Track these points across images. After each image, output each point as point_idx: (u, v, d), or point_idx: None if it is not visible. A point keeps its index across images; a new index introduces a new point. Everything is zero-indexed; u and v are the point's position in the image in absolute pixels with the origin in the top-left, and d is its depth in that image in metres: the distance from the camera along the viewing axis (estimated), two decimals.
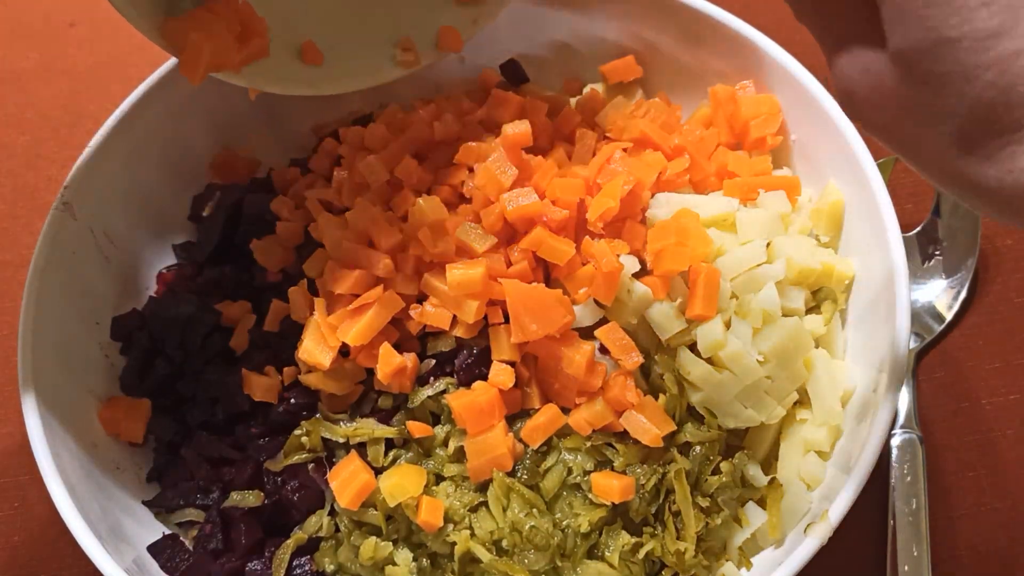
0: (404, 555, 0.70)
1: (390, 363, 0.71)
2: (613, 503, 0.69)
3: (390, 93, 0.89)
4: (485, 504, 0.71)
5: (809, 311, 0.78)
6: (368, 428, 0.73)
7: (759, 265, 0.74)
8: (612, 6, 0.92)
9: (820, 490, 0.72)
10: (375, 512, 0.71)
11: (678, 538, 0.70)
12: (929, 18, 0.35)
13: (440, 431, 0.73)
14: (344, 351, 0.73)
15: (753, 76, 0.86)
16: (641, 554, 0.69)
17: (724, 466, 0.72)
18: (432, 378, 0.74)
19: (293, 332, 0.77)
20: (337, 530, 0.73)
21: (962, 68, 0.35)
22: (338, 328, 0.72)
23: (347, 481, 0.70)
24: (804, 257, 0.75)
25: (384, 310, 0.72)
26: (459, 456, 0.72)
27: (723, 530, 0.73)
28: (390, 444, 0.74)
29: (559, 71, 0.98)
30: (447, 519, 0.70)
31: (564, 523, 0.69)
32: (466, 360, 0.73)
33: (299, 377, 0.75)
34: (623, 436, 0.72)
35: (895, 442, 0.82)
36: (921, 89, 0.37)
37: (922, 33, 0.36)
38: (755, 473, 0.74)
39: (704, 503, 0.71)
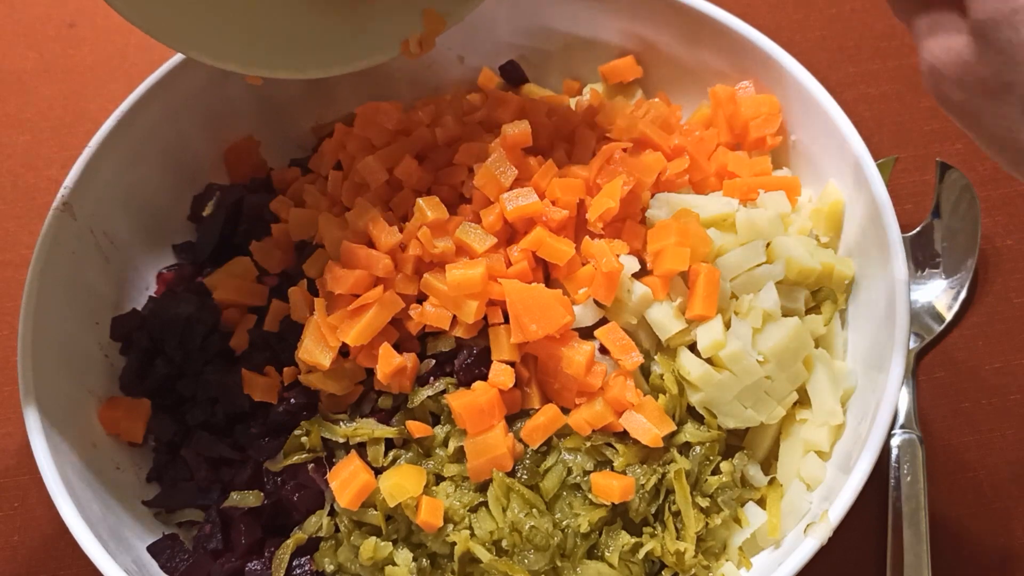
0: (404, 555, 0.70)
1: (390, 363, 0.71)
2: (613, 503, 0.69)
3: (390, 93, 0.89)
4: (485, 504, 0.71)
5: (809, 311, 0.78)
6: (368, 428, 0.73)
7: (759, 265, 0.74)
8: (612, 6, 0.92)
9: (820, 490, 0.72)
10: (375, 512, 0.71)
11: (678, 538, 0.70)
12: None
13: (440, 431, 0.73)
14: (344, 351, 0.73)
15: (753, 76, 0.86)
16: (641, 554, 0.69)
17: (724, 466, 0.72)
18: (432, 378, 0.74)
19: (293, 332, 0.77)
20: (337, 530, 0.73)
21: None
22: (338, 328, 0.72)
23: (347, 481, 0.70)
24: (804, 257, 0.75)
25: (384, 310, 0.72)
26: (459, 456, 0.72)
27: (723, 530, 0.73)
28: (390, 444, 0.74)
29: (559, 71, 0.98)
30: (447, 519, 0.70)
31: (564, 523, 0.69)
32: (466, 360, 0.73)
33: (299, 377, 0.75)
34: (623, 436, 0.72)
35: (895, 442, 0.82)
36: (996, 58, 0.39)
37: (1000, 2, 0.37)
38: (755, 473, 0.74)
39: (704, 503, 0.71)
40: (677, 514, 0.71)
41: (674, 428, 0.71)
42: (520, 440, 0.72)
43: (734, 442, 0.76)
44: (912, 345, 0.89)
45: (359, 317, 0.72)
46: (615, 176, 0.76)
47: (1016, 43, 0.37)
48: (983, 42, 0.39)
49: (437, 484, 0.72)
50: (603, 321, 0.74)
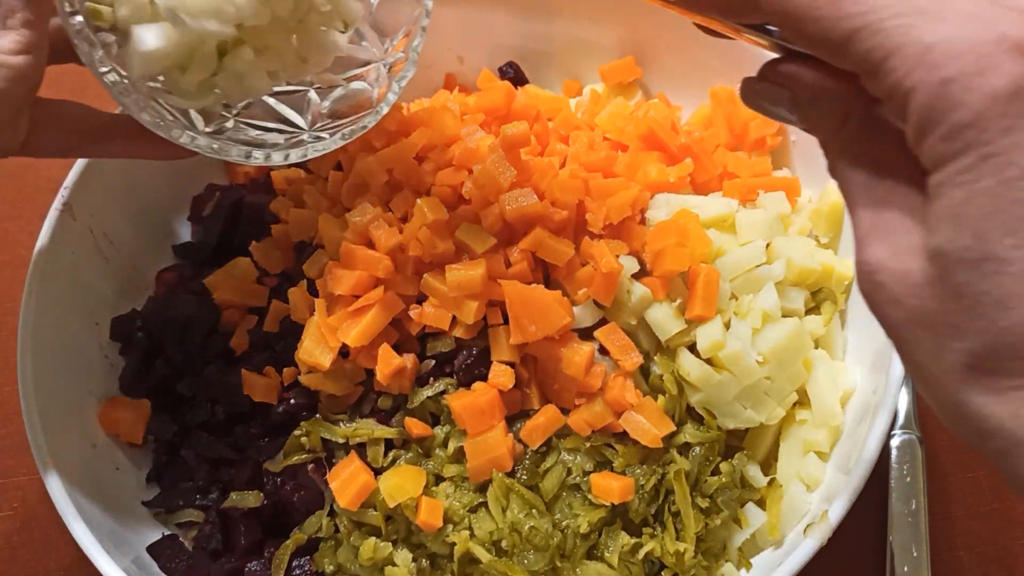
0: (403, 556, 0.70)
1: (389, 364, 0.71)
2: (612, 504, 0.69)
3: None
4: (484, 505, 0.71)
5: (809, 312, 0.78)
6: (368, 429, 0.73)
7: (759, 266, 0.74)
8: (612, 6, 0.91)
9: (820, 491, 0.72)
10: (375, 513, 0.71)
11: (677, 539, 0.70)
12: (985, 231, 0.32)
13: (440, 432, 0.73)
14: (344, 352, 0.73)
15: None
16: (640, 555, 0.69)
17: (724, 467, 0.72)
18: (432, 379, 0.74)
19: (293, 333, 0.77)
20: (336, 531, 0.73)
21: (1001, 294, 0.32)
22: (338, 329, 0.72)
23: (347, 482, 0.70)
24: (804, 258, 0.75)
25: (384, 311, 0.72)
26: (459, 457, 0.72)
27: (722, 531, 0.73)
28: (389, 445, 0.74)
29: (559, 71, 0.98)
30: (446, 520, 0.70)
31: (563, 524, 0.69)
32: (466, 361, 0.73)
33: (299, 378, 0.75)
34: (622, 437, 0.72)
35: (895, 443, 0.82)
36: (949, 299, 0.34)
37: (971, 242, 0.32)
38: (755, 474, 0.74)
39: (703, 504, 0.71)
40: (677, 515, 0.71)
41: (674, 429, 0.71)
42: (520, 440, 0.72)
43: (734, 443, 0.76)
44: None
45: (359, 318, 0.72)
46: (615, 178, 0.76)
47: (977, 292, 0.32)
48: (939, 273, 0.34)
49: (437, 484, 0.72)
50: (603, 322, 0.74)
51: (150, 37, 0.58)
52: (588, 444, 0.71)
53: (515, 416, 0.73)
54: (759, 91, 0.43)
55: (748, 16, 0.38)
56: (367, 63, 0.71)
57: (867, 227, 0.37)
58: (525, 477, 0.71)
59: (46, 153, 0.65)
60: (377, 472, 0.72)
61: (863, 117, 0.38)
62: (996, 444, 0.34)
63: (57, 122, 0.65)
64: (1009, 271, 0.32)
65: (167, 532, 0.77)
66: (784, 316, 0.74)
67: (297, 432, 0.74)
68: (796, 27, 0.36)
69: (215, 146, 0.64)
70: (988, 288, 0.32)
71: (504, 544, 0.69)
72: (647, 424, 0.70)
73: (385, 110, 0.70)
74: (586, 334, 0.73)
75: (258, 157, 0.65)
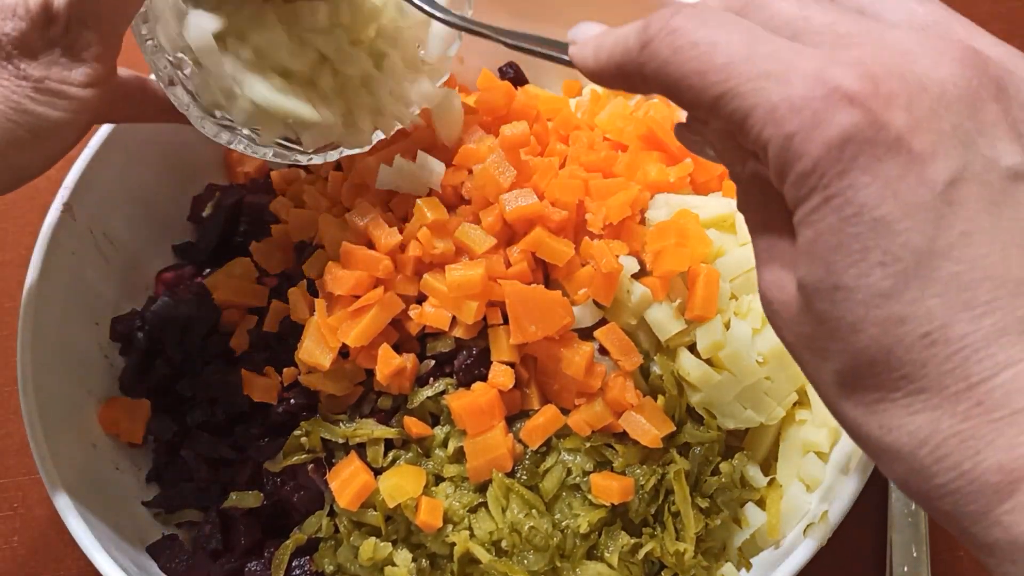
0: (403, 556, 0.70)
1: (389, 364, 0.71)
2: (612, 504, 0.69)
3: None
4: (484, 505, 0.71)
5: None
6: (367, 429, 0.73)
7: None
8: (612, 6, 0.91)
9: (819, 491, 0.72)
10: (374, 513, 0.71)
11: (677, 539, 0.70)
12: (833, 263, 0.36)
13: (440, 432, 0.73)
14: (344, 352, 0.73)
15: None
16: (640, 555, 0.69)
17: (724, 467, 0.72)
18: (432, 379, 0.74)
19: (293, 333, 0.77)
20: (336, 531, 0.73)
21: (852, 319, 0.36)
22: (338, 329, 0.72)
23: (346, 482, 0.70)
24: None
25: (384, 312, 0.72)
26: (458, 457, 0.72)
27: (722, 531, 0.73)
28: (389, 445, 0.74)
29: (558, 72, 0.97)
30: (446, 520, 0.70)
31: (563, 524, 0.69)
32: (465, 361, 0.73)
33: (299, 378, 0.75)
34: (622, 437, 0.72)
35: None
36: (816, 325, 0.38)
37: (823, 274, 0.36)
38: (754, 474, 0.74)
39: (703, 504, 0.71)
40: (677, 515, 0.71)
41: (673, 429, 0.71)
42: (520, 441, 0.72)
43: (734, 443, 0.76)
44: None
45: (359, 318, 0.72)
46: (614, 178, 0.76)
47: (833, 318, 0.37)
48: (806, 302, 0.38)
49: (437, 485, 0.72)
50: (603, 322, 0.74)
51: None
52: (588, 444, 0.71)
53: (515, 416, 0.73)
54: (688, 138, 0.49)
55: (644, 89, 0.43)
56: None
57: (758, 258, 0.42)
58: (525, 477, 0.71)
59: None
60: (377, 472, 0.72)
61: (751, 165, 0.43)
62: (869, 451, 0.38)
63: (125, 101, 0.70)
64: (856, 298, 0.36)
65: (167, 532, 0.77)
66: None
67: (297, 432, 0.74)
68: (675, 96, 0.40)
69: (264, 151, 0.69)
70: (841, 314, 0.36)
71: (504, 544, 0.69)
72: (647, 424, 0.70)
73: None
74: (586, 334, 0.73)
75: (299, 159, 0.70)
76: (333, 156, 0.71)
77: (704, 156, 0.49)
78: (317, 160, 0.71)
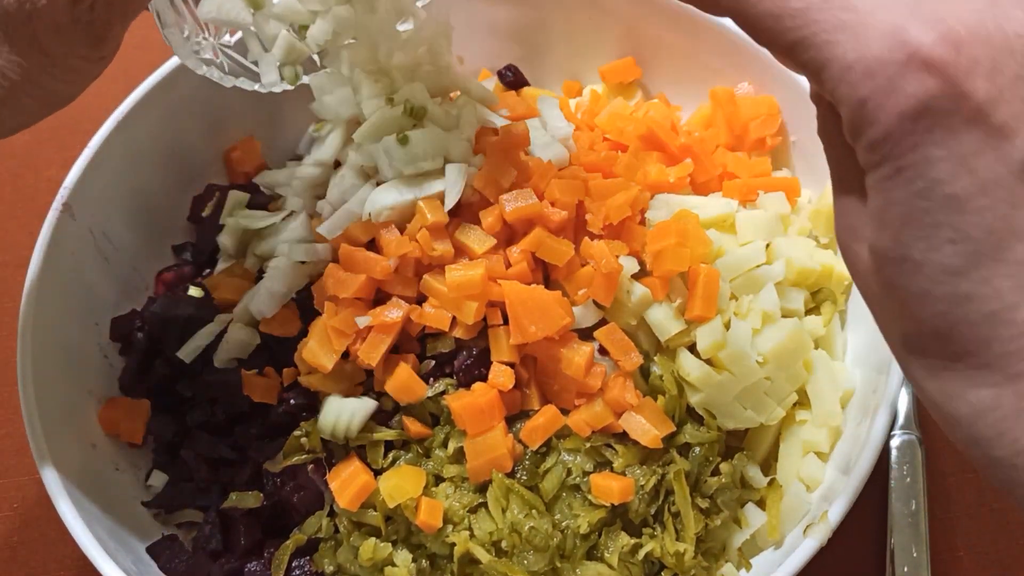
0: (403, 556, 0.70)
1: (400, 379, 0.72)
2: (612, 504, 0.69)
3: None
4: (484, 505, 0.71)
5: (808, 312, 0.78)
6: (367, 430, 0.73)
7: (758, 266, 0.74)
8: (612, 7, 0.91)
9: (819, 491, 0.72)
10: (374, 513, 0.71)
11: (677, 539, 0.70)
12: (902, 234, 0.35)
13: (439, 432, 0.73)
14: (344, 352, 0.73)
15: (753, 77, 0.86)
16: (640, 555, 0.69)
17: (724, 467, 0.72)
18: (432, 379, 0.74)
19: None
20: (336, 531, 0.73)
21: (918, 290, 0.36)
22: (343, 333, 0.72)
23: (346, 482, 0.70)
24: (803, 258, 0.75)
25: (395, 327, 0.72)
26: (458, 457, 0.72)
27: (722, 531, 0.73)
28: (389, 445, 0.74)
29: (558, 72, 0.98)
30: (446, 520, 0.70)
31: (563, 524, 0.69)
32: (465, 361, 0.73)
33: (299, 378, 0.75)
34: (622, 437, 0.72)
35: (894, 443, 0.82)
36: (885, 287, 0.38)
37: (891, 243, 0.36)
38: (754, 474, 0.74)
39: (703, 504, 0.71)
40: (677, 515, 0.71)
41: (673, 429, 0.71)
42: (520, 441, 0.72)
43: (734, 443, 0.76)
44: None
45: (376, 337, 0.72)
46: (615, 178, 0.76)
47: (901, 286, 0.36)
48: (876, 266, 0.38)
49: (436, 485, 0.72)
50: (603, 322, 0.74)
51: None
52: (588, 444, 0.71)
53: (515, 416, 0.73)
54: None
55: (719, 12, 0.40)
56: None
57: (834, 195, 0.42)
58: (525, 477, 0.71)
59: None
60: (377, 472, 0.72)
61: (830, 108, 0.41)
62: (932, 411, 0.39)
63: None
64: (924, 272, 0.35)
65: (167, 532, 0.77)
66: (784, 316, 0.74)
67: (297, 432, 0.74)
68: (751, 34, 0.39)
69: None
70: (908, 284, 0.36)
71: (504, 544, 0.68)
72: (647, 424, 0.70)
73: None
74: (586, 334, 0.73)
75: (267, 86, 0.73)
76: (287, 87, 0.73)
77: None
78: (281, 87, 0.72)
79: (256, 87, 0.72)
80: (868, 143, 0.35)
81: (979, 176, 0.33)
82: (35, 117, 0.63)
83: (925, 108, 0.33)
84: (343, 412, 0.72)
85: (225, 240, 0.84)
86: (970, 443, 0.37)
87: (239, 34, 0.72)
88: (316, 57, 0.76)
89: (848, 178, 0.40)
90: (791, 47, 0.36)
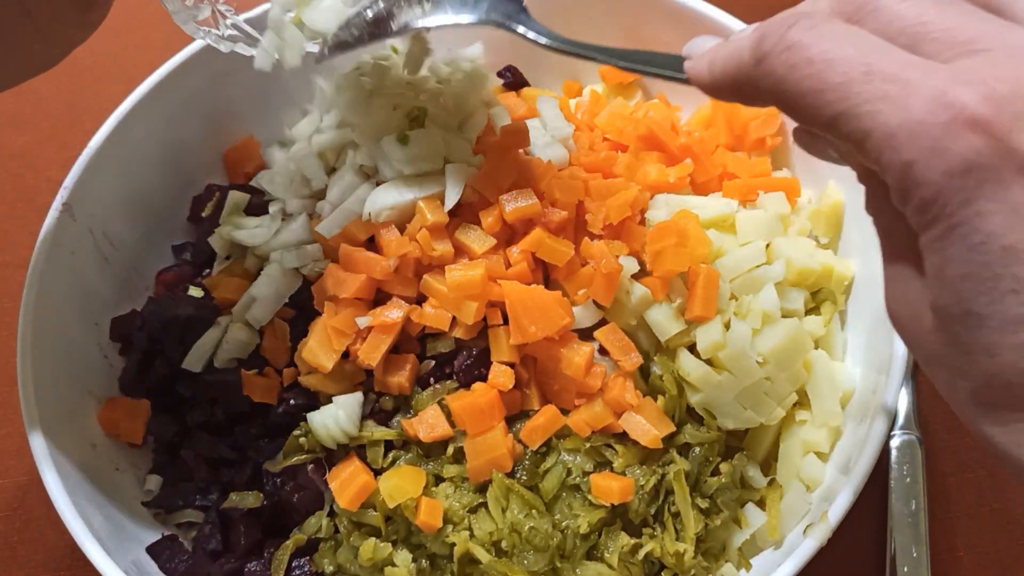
0: (403, 556, 0.70)
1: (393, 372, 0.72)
2: (612, 504, 0.69)
3: None
4: (484, 505, 0.71)
5: (808, 312, 0.78)
6: (368, 431, 0.73)
7: (758, 266, 0.74)
8: (612, 6, 0.91)
9: (819, 491, 0.72)
10: (374, 513, 0.71)
11: (677, 539, 0.70)
12: (963, 291, 0.36)
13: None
14: (344, 352, 0.73)
15: None
16: (640, 555, 0.69)
17: (723, 467, 0.72)
18: (432, 379, 0.74)
19: (292, 333, 0.77)
20: (336, 531, 0.73)
21: (986, 343, 0.36)
22: (343, 334, 0.72)
23: (347, 482, 0.70)
24: (803, 258, 0.75)
25: (395, 327, 0.72)
26: (458, 457, 0.72)
27: (722, 531, 0.73)
28: (389, 445, 0.74)
29: (558, 72, 0.98)
30: (446, 520, 0.70)
31: (563, 524, 0.69)
32: (465, 361, 0.73)
33: (299, 378, 0.75)
34: (622, 437, 0.72)
35: (894, 443, 0.82)
36: (951, 345, 0.38)
37: (954, 300, 0.36)
38: (754, 474, 0.74)
39: (703, 504, 0.71)
40: (677, 515, 0.71)
41: (673, 429, 0.71)
42: (520, 441, 0.72)
43: (734, 443, 0.76)
44: None
45: (376, 336, 0.72)
46: (615, 179, 0.76)
47: (967, 342, 0.37)
48: (940, 323, 0.38)
49: (436, 485, 0.72)
50: (603, 322, 0.74)
51: None
52: (588, 444, 0.71)
53: (515, 416, 0.73)
54: (807, 141, 0.48)
55: (759, 103, 0.42)
56: None
57: (885, 273, 0.42)
58: (525, 477, 0.71)
59: None
60: (377, 473, 0.72)
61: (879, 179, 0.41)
62: (1009, 465, 0.39)
63: None
64: (989, 325, 0.35)
65: (167, 532, 0.77)
66: (784, 316, 0.74)
67: (297, 432, 0.74)
68: (792, 113, 0.39)
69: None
70: (974, 339, 0.36)
71: (504, 544, 0.68)
72: (647, 424, 0.70)
73: None
74: (586, 334, 0.73)
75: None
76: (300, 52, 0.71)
77: (826, 159, 0.48)
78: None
79: (254, 51, 0.71)
80: (918, 204, 0.36)
81: None
82: (14, 81, 0.61)
83: (973, 164, 0.34)
84: (327, 419, 0.72)
85: (217, 244, 0.84)
86: None
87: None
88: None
89: (899, 246, 0.40)
90: (833, 120, 0.37)
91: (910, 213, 0.37)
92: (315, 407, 0.75)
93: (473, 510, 0.71)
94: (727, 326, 0.73)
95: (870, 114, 0.36)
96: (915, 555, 0.76)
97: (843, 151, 0.44)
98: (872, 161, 0.37)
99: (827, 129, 0.38)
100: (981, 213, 0.34)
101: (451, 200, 0.73)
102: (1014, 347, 0.35)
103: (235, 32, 0.72)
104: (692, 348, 0.73)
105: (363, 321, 0.72)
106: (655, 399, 0.72)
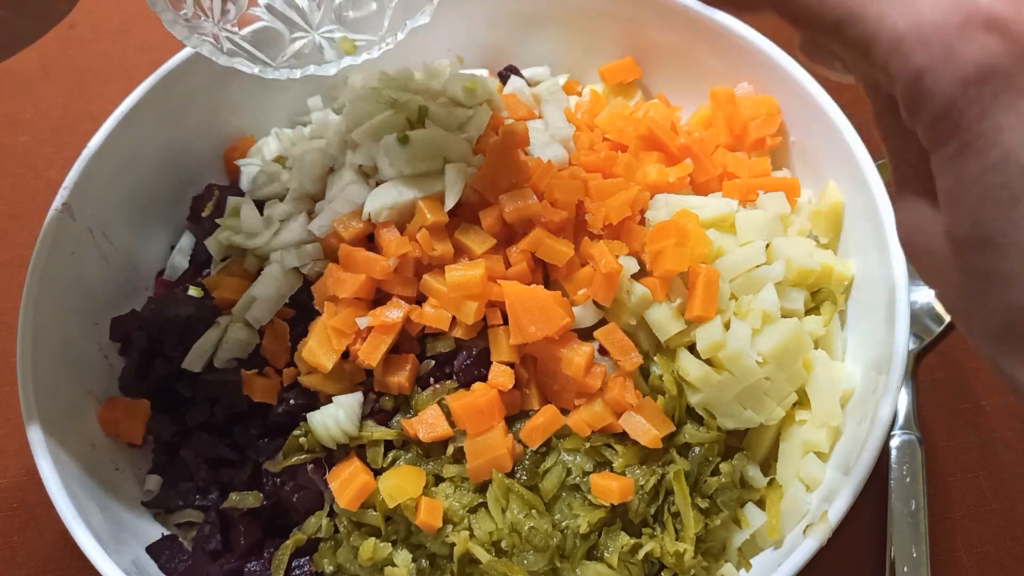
0: (403, 556, 0.70)
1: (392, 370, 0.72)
2: (612, 504, 0.69)
3: None
4: (484, 505, 0.71)
5: (808, 312, 0.78)
6: (367, 431, 0.73)
7: (758, 266, 0.74)
8: (612, 7, 0.91)
9: (819, 491, 0.72)
10: (374, 513, 0.71)
11: (677, 539, 0.70)
12: (980, 215, 0.33)
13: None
14: (344, 352, 0.73)
15: (752, 77, 0.86)
16: (640, 555, 0.69)
17: (723, 467, 0.72)
18: (432, 379, 0.74)
19: (292, 333, 0.77)
20: (336, 531, 0.73)
21: (1005, 272, 0.33)
22: (343, 333, 0.72)
23: (346, 482, 0.70)
24: (803, 258, 0.75)
25: (395, 327, 0.72)
26: (458, 457, 0.72)
27: (722, 531, 0.73)
28: (389, 445, 0.74)
29: (558, 73, 0.98)
30: (446, 520, 0.70)
31: (563, 524, 0.69)
32: (465, 361, 0.73)
33: (298, 378, 0.75)
34: (622, 437, 0.72)
35: (894, 443, 0.82)
36: (967, 275, 0.35)
37: (970, 226, 0.33)
38: (754, 474, 0.74)
39: (703, 504, 0.71)
40: (676, 515, 0.71)
41: (673, 429, 0.71)
42: (519, 441, 0.72)
43: (733, 443, 0.76)
44: (912, 346, 0.89)
45: (376, 337, 0.72)
46: (615, 179, 0.76)
47: (985, 271, 0.34)
48: (956, 251, 0.35)
49: (436, 485, 0.72)
50: (602, 322, 0.74)
51: None
52: (588, 444, 0.71)
53: (515, 416, 0.73)
54: (813, 50, 0.43)
55: (754, 8, 0.38)
56: None
57: (895, 191, 0.38)
58: (525, 477, 0.71)
59: None
60: (377, 472, 0.72)
61: (887, 92, 0.38)
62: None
63: None
64: (1009, 252, 0.32)
65: (167, 532, 0.77)
66: (784, 316, 0.74)
67: (296, 432, 0.74)
68: (792, 18, 0.36)
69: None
70: (994, 267, 0.33)
71: (504, 544, 0.68)
72: (647, 424, 0.70)
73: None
74: (586, 334, 0.73)
75: (266, 71, 0.70)
76: (296, 74, 0.70)
77: (832, 69, 0.43)
78: (282, 74, 0.69)
79: (256, 71, 0.70)
80: (930, 119, 0.32)
81: None
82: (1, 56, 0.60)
83: (990, 71, 0.31)
84: (327, 419, 0.72)
85: (213, 247, 0.84)
86: None
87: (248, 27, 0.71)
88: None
89: (911, 170, 0.37)
90: (837, 25, 0.34)
91: (921, 129, 0.33)
92: (315, 407, 0.75)
93: (473, 510, 0.71)
94: (727, 326, 0.73)
95: (877, 17, 0.32)
96: (915, 555, 0.76)
97: (849, 61, 0.40)
98: (879, 70, 0.33)
99: (831, 35, 0.35)
100: (999, 127, 0.31)
101: (451, 200, 0.73)
102: None
103: (234, 47, 0.71)
104: (692, 348, 0.73)
105: (363, 321, 0.72)
106: (655, 399, 0.72)
